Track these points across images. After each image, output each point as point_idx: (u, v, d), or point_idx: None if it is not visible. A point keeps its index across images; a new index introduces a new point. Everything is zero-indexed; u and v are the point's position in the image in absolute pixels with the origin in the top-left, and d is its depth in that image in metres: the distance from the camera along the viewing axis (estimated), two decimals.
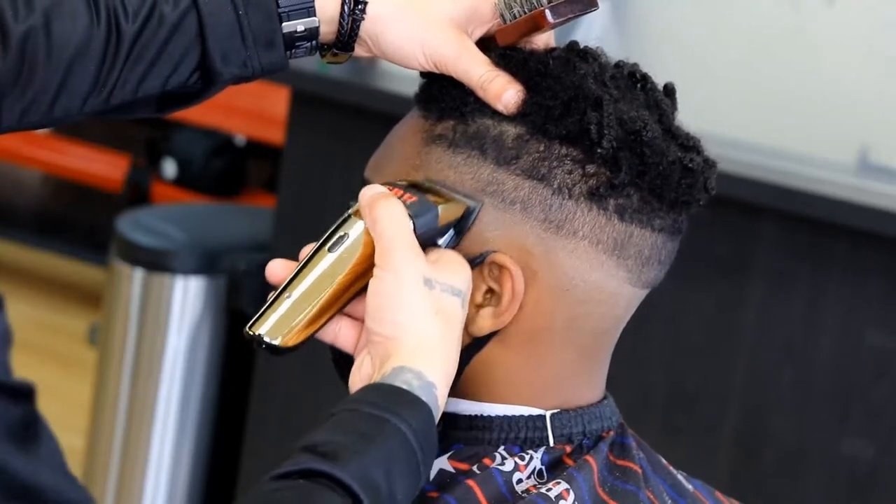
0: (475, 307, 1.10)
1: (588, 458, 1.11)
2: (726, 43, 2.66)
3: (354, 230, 1.07)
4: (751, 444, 2.54)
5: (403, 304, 1.04)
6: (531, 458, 1.11)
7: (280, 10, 1.10)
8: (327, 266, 1.07)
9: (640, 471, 1.14)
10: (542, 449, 1.12)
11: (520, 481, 1.10)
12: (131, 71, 1.10)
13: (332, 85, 2.89)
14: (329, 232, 1.08)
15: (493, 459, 1.10)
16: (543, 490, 1.08)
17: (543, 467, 1.11)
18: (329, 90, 2.87)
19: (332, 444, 0.98)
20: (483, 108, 1.11)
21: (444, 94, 1.12)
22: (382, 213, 1.06)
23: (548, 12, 1.11)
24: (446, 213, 1.09)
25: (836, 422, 2.48)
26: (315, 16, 1.11)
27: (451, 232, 1.09)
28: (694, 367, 2.56)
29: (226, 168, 4.70)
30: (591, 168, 1.09)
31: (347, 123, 2.78)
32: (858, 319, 2.46)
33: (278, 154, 3.21)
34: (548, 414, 1.12)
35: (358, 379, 1.08)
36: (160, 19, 1.09)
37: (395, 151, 1.15)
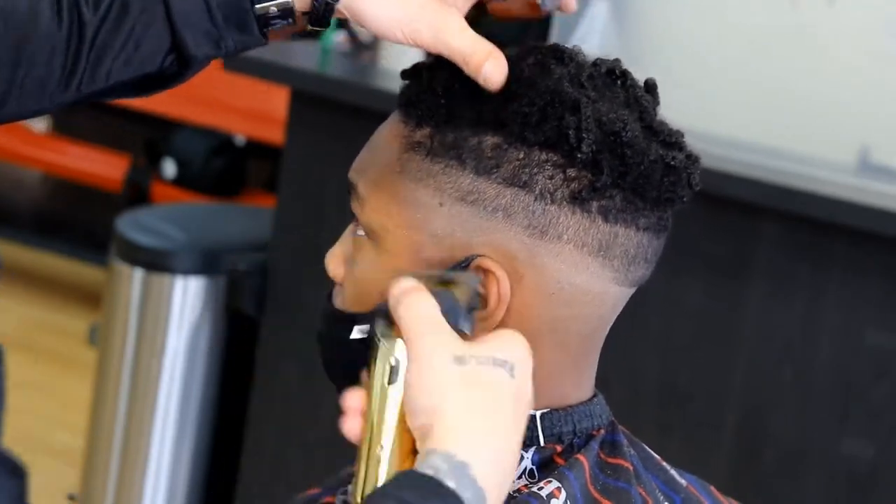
0: None
1: (579, 456, 1.11)
2: (726, 43, 2.66)
3: (399, 351, 0.99)
4: (751, 444, 2.54)
5: (433, 387, 0.98)
6: (521, 458, 1.11)
7: None
8: (399, 398, 0.99)
9: (631, 468, 1.14)
10: (533, 449, 1.11)
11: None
12: (98, 61, 1.07)
13: (332, 85, 2.89)
14: (371, 364, 1.01)
15: None
16: (535, 489, 1.08)
17: (534, 467, 1.11)
18: (329, 90, 2.87)
19: None
20: (460, 115, 1.10)
21: (422, 100, 1.11)
22: (407, 306, 1.01)
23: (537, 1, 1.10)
24: (460, 295, 1.04)
25: (836, 422, 2.48)
26: None
27: (471, 314, 1.05)
28: (694, 366, 2.55)
29: (226, 168, 4.70)
30: (572, 172, 1.08)
31: (347, 123, 2.78)
32: (858, 319, 2.46)
33: (278, 154, 3.21)
34: (537, 414, 1.12)
35: None
36: (123, 7, 1.06)
37: (376, 155, 1.14)
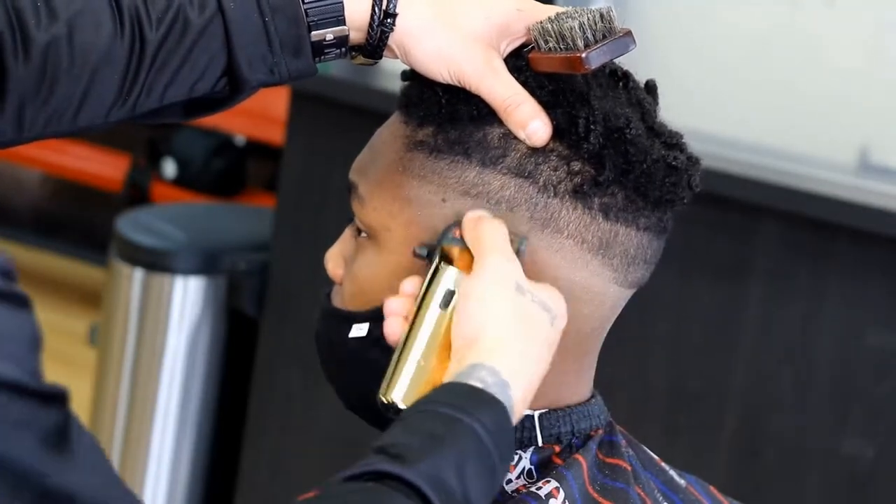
0: None
1: (577, 456, 1.11)
2: (726, 43, 2.66)
3: (456, 281, 1.06)
4: (751, 444, 2.54)
5: (488, 303, 1.03)
6: (520, 458, 1.11)
7: (309, 20, 1.09)
8: (446, 323, 1.05)
9: (629, 468, 1.14)
10: (531, 449, 1.12)
11: (509, 481, 1.10)
12: (156, 78, 1.08)
13: (332, 85, 2.89)
14: (426, 285, 1.06)
15: None
16: (533, 489, 1.08)
17: (532, 467, 1.11)
18: (329, 90, 2.87)
19: (401, 446, 0.95)
20: (462, 113, 1.11)
21: (423, 100, 1.12)
22: (486, 227, 1.06)
23: (585, 58, 1.08)
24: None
25: (836, 422, 2.48)
26: (345, 24, 1.10)
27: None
28: (694, 366, 2.55)
29: (226, 168, 4.69)
30: (575, 165, 1.09)
31: (347, 123, 2.78)
32: (859, 319, 2.46)
33: (278, 154, 3.21)
34: (536, 414, 1.12)
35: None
36: (185, 25, 1.07)
37: (378, 155, 1.15)
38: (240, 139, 4.71)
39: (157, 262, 3.02)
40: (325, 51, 1.10)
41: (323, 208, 2.86)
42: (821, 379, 2.48)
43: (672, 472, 1.20)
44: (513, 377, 1.00)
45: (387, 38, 1.10)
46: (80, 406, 3.85)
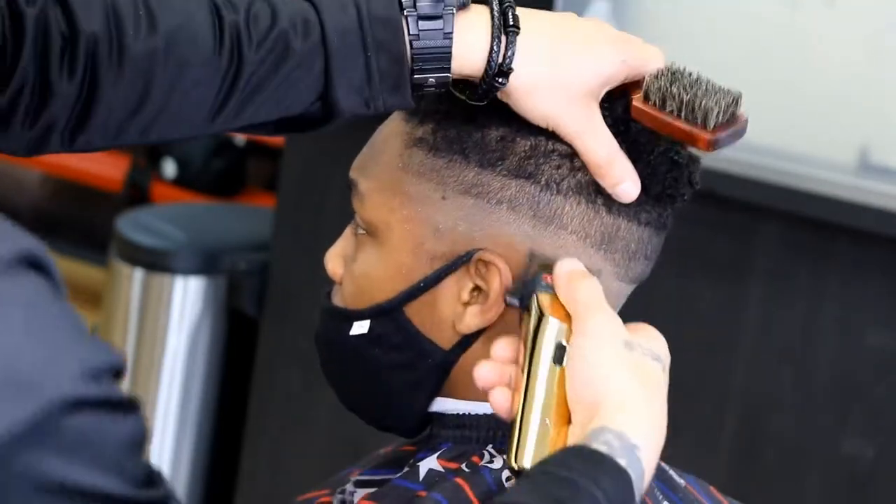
0: (462, 305, 1.11)
1: None
2: (725, 43, 2.65)
3: (564, 332, 1.03)
4: (751, 444, 2.54)
5: (604, 365, 1.00)
6: None
7: (414, 65, 1.07)
8: (558, 378, 1.02)
9: None
10: None
11: (509, 478, 1.10)
12: (249, 98, 1.07)
13: None
14: (532, 339, 1.03)
15: (482, 457, 1.11)
16: None
17: None
18: None
19: None
20: (463, 111, 1.11)
21: (423, 96, 1.12)
22: (583, 286, 1.04)
23: (714, 141, 1.09)
24: None
25: (836, 422, 2.48)
26: (449, 72, 1.07)
27: None
28: (694, 366, 2.55)
29: (226, 168, 4.69)
30: (578, 161, 1.09)
31: (349, 123, 2.78)
32: (859, 319, 2.45)
33: (278, 154, 3.21)
34: None
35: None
36: (286, 50, 1.06)
37: (378, 153, 1.15)
38: (240, 139, 4.71)
39: (157, 262, 3.02)
40: (426, 89, 1.08)
41: (323, 208, 2.85)
42: (821, 379, 2.48)
43: (671, 472, 1.20)
44: (641, 438, 0.98)
45: (496, 91, 1.08)
46: None
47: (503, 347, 1.05)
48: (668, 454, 1.23)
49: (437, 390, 1.14)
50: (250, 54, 1.06)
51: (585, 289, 1.03)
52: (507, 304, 1.08)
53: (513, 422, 1.01)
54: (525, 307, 1.06)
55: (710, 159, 2.48)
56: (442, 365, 1.13)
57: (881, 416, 2.45)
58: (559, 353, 1.01)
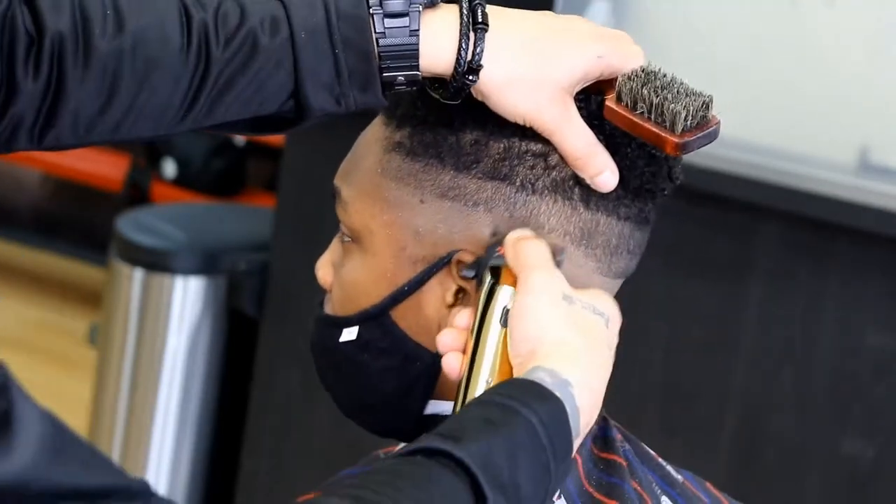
0: (446, 308, 1.11)
1: None
2: (725, 43, 2.66)
3: (511, 297, 1.05)
4: (751, 444, 2.54)
5: (541, 318, 1.02)
6: None
7: (381, 63, 1.07)
8: (504, 336, 1.04)
9: (624, 463, 1.14)
10: None
11: None
12: (219, 97, 1.07)
13: None
14: (483, 305, 1.05)
15: None
16: None
17: None
18: None
19: (456, 429, 0.95)
20: (437, 113, 1.11)
21: (402, 100, 1.12)
22: (527, 245, 1.06)
23: (681, 145, 1.08)
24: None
25: (836, 422, 2.48)
26: (418, 70, 1.07)
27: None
28: (694, 366, 2.55)
29: (226, 168, 4.70)
30: (552, 159, 1.10)
31: (348, 124, 2.78)
32: (858, 319, 2.46)
33: (278, 154, 3.21)
34: None
35: None
36: (254, 48, 1.06)
37: (360, 159, 1.16)
38: (240, 139, 4.71)
39: (157, 262, 3.02)
40: (396, 87, 1.08)
41: (323, 208, 2.85)
42: (821, 379, 2.48)
43: (669, 468, 1.20)
44: (576, 377, 0.99)
45: (468, 89, 1.08)
46: (80, 406, 3.87)
47: (464, 317, 1.07)
48: (667, 454, 1.24)
49: (430, 393, 1.14)
50: (218, 52, 1.06)
51: (529, 249, 1.05)
52: (462, 277, 1.10)
53: (459, 383, 1.04)
54: (478, 277, 1.08)
55: (711, 159, 2.48)
56: (431, 368, 1.13)
57: (881, 416, 2.45)
58: (505, 316, 1.04)
